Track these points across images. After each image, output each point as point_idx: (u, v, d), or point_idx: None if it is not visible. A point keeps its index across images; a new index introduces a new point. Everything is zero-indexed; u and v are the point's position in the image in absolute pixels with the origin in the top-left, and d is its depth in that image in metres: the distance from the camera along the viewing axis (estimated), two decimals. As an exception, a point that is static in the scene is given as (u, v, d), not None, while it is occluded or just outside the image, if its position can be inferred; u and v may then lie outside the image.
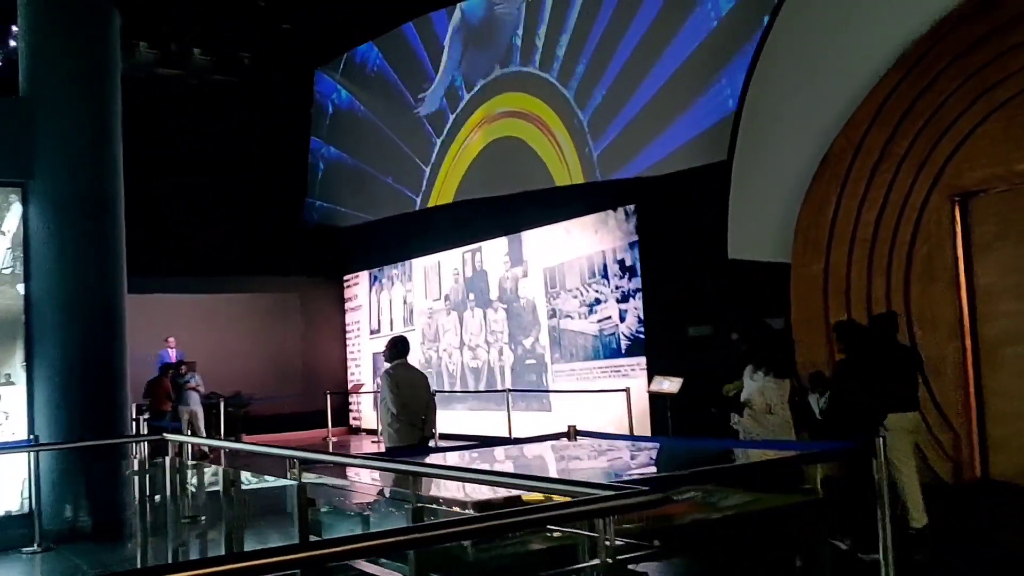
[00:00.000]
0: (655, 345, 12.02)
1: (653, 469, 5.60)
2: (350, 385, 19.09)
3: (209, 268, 18.52)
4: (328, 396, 17.21)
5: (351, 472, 5.16)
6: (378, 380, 7.38)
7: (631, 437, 6.08)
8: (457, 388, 15.77)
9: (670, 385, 11.40)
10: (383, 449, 7.05)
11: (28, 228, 7.92)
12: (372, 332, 18.61)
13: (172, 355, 17.27)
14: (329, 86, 19.44)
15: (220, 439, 16.04)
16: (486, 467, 6.28)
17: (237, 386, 18.08)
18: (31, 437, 7.60)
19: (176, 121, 19.06)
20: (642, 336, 12.16)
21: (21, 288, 7.92)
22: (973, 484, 8.43)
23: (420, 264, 16.95)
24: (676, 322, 11.69)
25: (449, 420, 15.07)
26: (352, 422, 19.06)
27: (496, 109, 14.81)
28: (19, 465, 7.67)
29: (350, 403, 19.07)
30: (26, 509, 7.68)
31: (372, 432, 16.61)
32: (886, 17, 8.98)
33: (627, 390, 11.48)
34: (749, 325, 5.73)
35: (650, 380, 11.80)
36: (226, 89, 19.61)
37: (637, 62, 12.21)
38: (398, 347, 7.27)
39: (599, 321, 12.92)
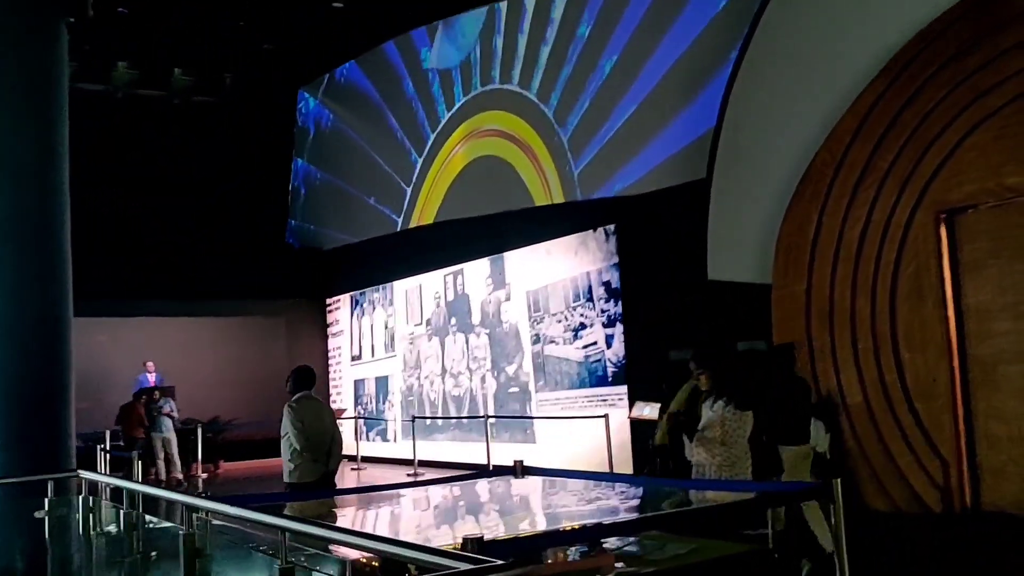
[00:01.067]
0: (637, 370, 11.61)
1: (589, 513, 5.14)
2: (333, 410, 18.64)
3: (192, 291, 18.17)
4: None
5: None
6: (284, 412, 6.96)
7: (584, 474, 5.64)
8: (438, 416, 15.36)
9: (651, 411, 10.99)
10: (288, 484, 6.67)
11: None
12: (354, 358, 18.22)
13: (151, 379, 16.88)
14: (311, 106, 19.14)
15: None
16: (382, 511, 5.88)
17: (218, 411, 17.70)
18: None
19: (158, 141, 18.77)
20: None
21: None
22: (962, 514, 7.98)
23: (402, 287, 16.59)
24: (657, 346, 11.28)
25: (430, 450, 14.68)
26: (334, 449, 18.59)
27: (476, 128, 14.48)
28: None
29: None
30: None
31: (352, 459, 16.19)
32: (870, 24, 8.62)
33: (606, 416, 11.05)
34: (707, 350, 5.26)
35: (631, 406, 11.40)
36: (208, 109, 19.32)
37: (617, 78, 11.88)
38: (301, 378, 6.91)
39: (584, 347, 12.51)
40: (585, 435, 11.71)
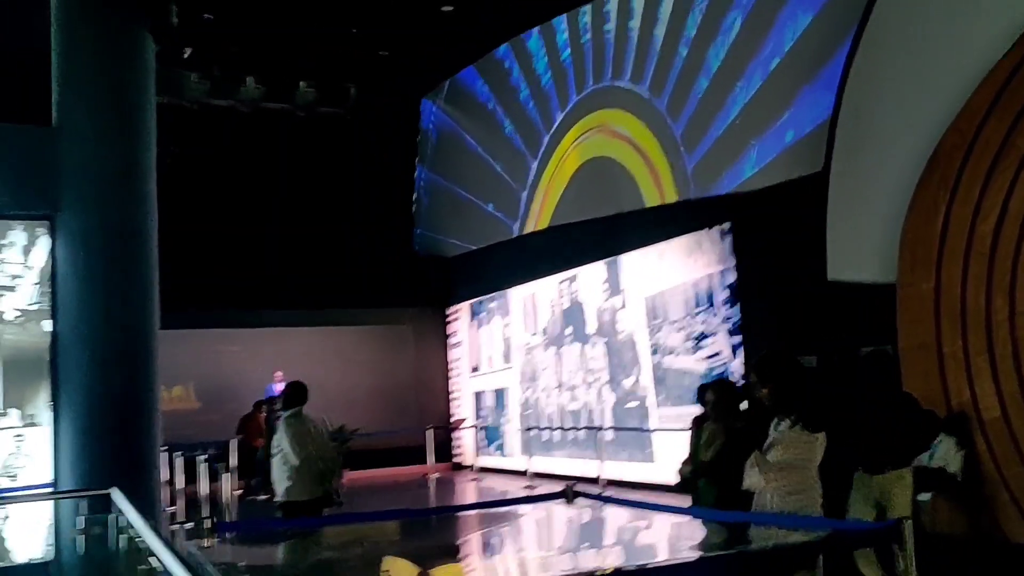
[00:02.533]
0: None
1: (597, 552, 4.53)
2: (452, 420, 18.54)
3: (322, 301, 18.36)
4: (430, 431, 16.68)
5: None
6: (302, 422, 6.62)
7: (635, 503, 5.04)
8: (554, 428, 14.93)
9: (770, 422, 10.21)
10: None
11: (55, 263, 7.62)
12: (473, 370, 17.97)
13: (278, 389, 17.05)
14: (433, 114, 19.08)
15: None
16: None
17: (344, 420, 17.73)
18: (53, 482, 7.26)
19: (284, 154, 19.08)
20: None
21: (47, 325, 7.61)
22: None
23: (518, 295, 16.21)
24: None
25: (545, 463, 14.25)
26: (455, 458, 18.45)
27: (588, 127, 13.97)
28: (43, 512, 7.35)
29: (452, 439, 18.48)
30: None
31: (469, 468, 15.95)
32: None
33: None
34: (770, 359, 4.55)
35: (750, 416, 10.63)
36: (334, 121, 19.53)
37: (729, 68, 11.13)
38: (295, 394, 6.59)
39: (707, 358, 11.75)
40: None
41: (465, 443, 18.03)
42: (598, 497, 4.55)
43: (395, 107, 19.44)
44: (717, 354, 11.56)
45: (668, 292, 12.32)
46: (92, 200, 7.72)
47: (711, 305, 11.60)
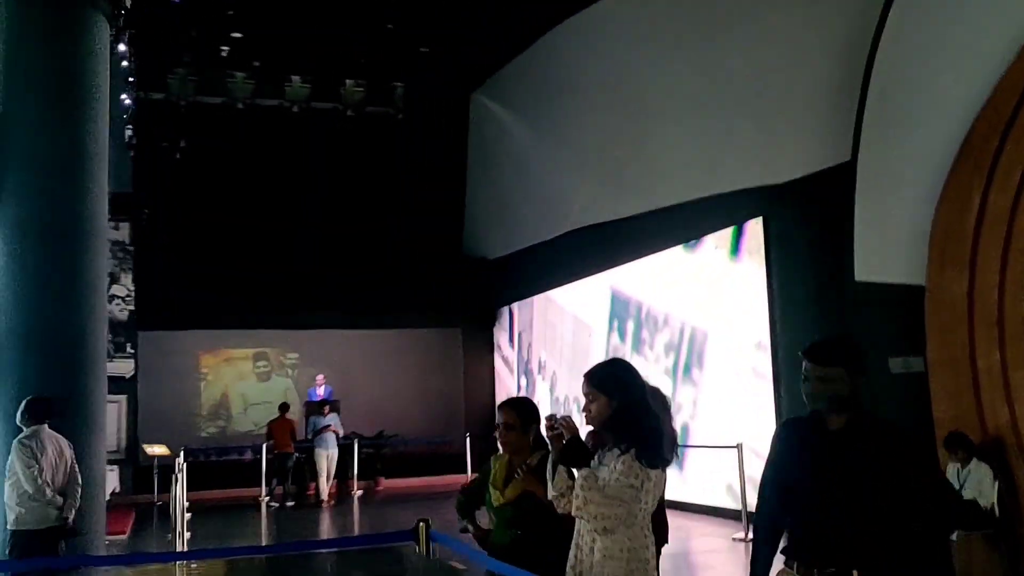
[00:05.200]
0: (786, 390, 9.77)
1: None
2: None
3: (366, 302, 17.89)
4: (469, 438, 15.98)
5: None
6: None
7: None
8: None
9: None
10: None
11: (-8, 257, 7.21)
12: (525, 371, 17.15)
13: (320, 393, 16.67)
14: (483, 111, 18.42)
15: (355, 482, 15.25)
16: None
17: (385, 425, 17.28)
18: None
19: (332, 154, 18.73)
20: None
21: (-14, 321, 7.20)
22: None
23: (564, 294, 15.37)
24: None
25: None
26: (497, 468, 17.68)
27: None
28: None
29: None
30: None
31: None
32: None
33: (739, 447, 9.33)
34: (611, 366, 3.53)
35: (779, 433, 9.61)
36: (382, 120, 19.11)
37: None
38: (36, 410, 5.85)
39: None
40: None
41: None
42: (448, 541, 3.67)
43: (444, 104, 18.85)
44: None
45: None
46: (34, 190, 7.29)
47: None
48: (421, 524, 3.74)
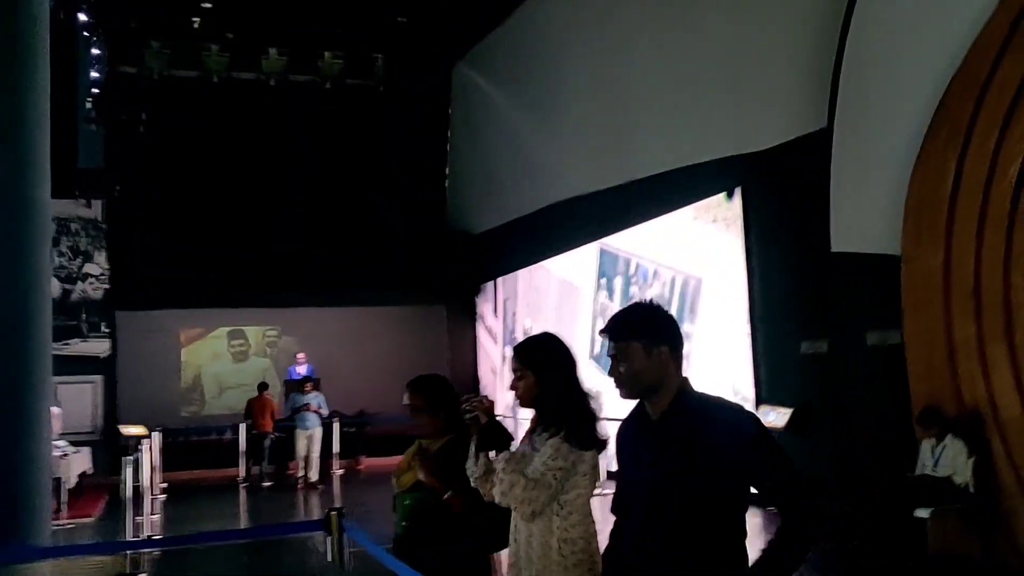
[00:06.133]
0: (765, 365, 9.53)
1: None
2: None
3: (348, 279, 17.59)
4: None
5: None
6: None
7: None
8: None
9: (777, 417, 8.96)
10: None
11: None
12: (510, 341, 16.83)
13: (301, 371, 16.38)
14: (465, 82, 18.06)
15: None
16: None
17: (366, 404, 17.03)
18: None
19: (311, 127, 18.36)
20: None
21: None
22: None
23: (552, 266, 15.07)
24: (788, 336, 9.18)
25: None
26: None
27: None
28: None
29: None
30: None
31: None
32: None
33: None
34: (532, 342, 3.28)
35: (756, 410, 9.38)
36: (362, 92, 18.74)
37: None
38: None
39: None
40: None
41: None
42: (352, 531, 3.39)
43: (425, 76, 18.48)
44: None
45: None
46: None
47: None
48: (333, 514, 3.48)
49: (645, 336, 2.31)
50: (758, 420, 2.31)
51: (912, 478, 6.61)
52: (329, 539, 3.49)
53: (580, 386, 3.18)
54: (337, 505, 3.76)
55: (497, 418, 3.14)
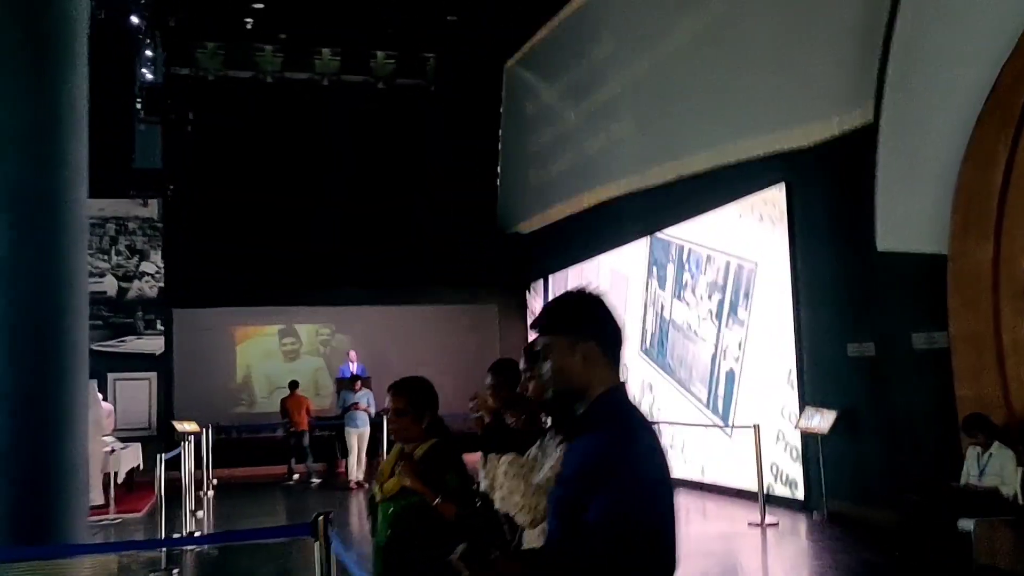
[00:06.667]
0: (809, 366, 9.20)
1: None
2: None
3: (402, 278, 17.62)
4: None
5: None
6: None
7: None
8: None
9: (821, 421, 8.65)
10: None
11: (-35, 235, 6.99)
12: None
13: (353, 369, 16.41)
14: (518, 81, 17.93)
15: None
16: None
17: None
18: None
19: (364, 127, 18.40)
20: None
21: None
22: None
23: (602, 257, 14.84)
24: (833, 337, 8.84)
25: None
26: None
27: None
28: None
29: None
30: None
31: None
32: None
33: (756, 427, 8.80)
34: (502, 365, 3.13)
35: (800, 412, 9.08)
36: (413, 92, 18.75)
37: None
38: None
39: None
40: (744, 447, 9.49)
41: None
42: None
43: (476, 75, 18.39)
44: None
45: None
46: (4, 162, 7.01)
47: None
48: (320, 518, 3.36)
49: (569, 329, 2.02)
50: (633, 461, 1.87)
51: (956, 487, 6.27)
52: (317, 544, 3.37)
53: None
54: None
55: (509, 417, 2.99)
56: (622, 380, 2.04)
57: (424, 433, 3.35)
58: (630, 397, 2.03)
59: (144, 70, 15.33)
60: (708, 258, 11.19)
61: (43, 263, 7.05)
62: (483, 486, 2.87)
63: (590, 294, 2.09)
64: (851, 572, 6.82)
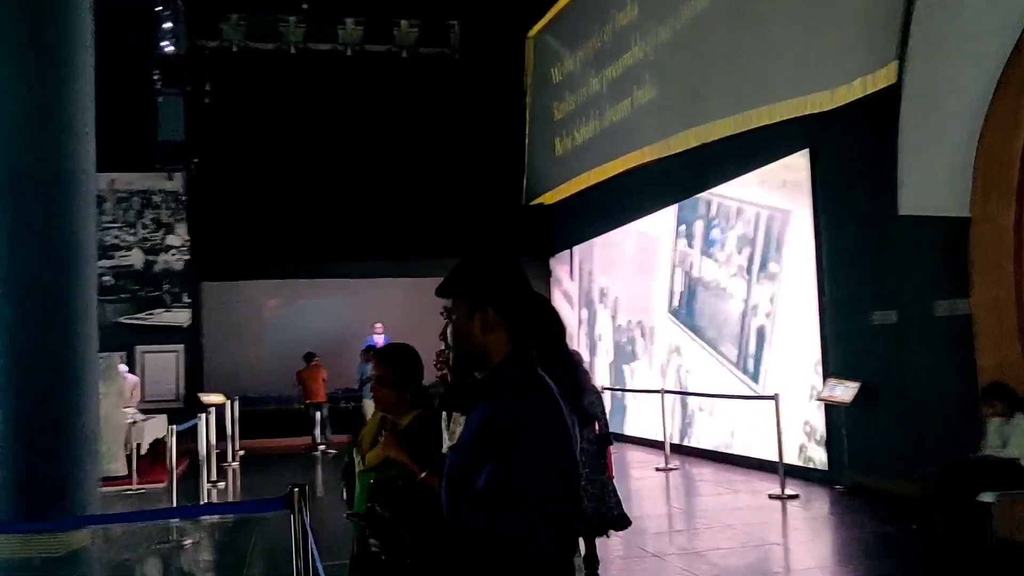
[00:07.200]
0: (833, 336, 9.01)
1: None
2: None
3: (425, 250, 17.54)
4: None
5: None
6: None
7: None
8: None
9: (843, 392, 8.47)
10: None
11: (-23, 211, 7.04)
12: (587, 303, 16.44)
13: (379, 341, 16.41)
14: (543, 48, 17.68)
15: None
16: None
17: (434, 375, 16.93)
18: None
19: (387, 97, 18.27)
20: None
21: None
22: None
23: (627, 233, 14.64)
24: (856, 306, 8.63)
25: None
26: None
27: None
28: None
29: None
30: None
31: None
32: None
33: (775, 397, 8.64)
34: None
35: (824, 382, 8.90)
36: (437, 61, 18.57)
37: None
38: None
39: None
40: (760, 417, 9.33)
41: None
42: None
43: (500, 44, 18.16)
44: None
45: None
46: (12, 135, 7.04)
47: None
48: (295, 491, 3.29)
49: (467, 294, 2.02)
50: (524, 428, 1.81)
51: (975, 459, 6.08)
52: (292, 517, 3.29)
53: (565, 355, 2.91)
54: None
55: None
56: (526, 347, 1.99)
57: (408, 404, 3.25)
58: (532, 364, 1.96)
59: (165, 43, 15.31)
60: (738, 211, 10.90)
61: (52, 233, 7.10)
62: (446, 447, 2.79)
63: (492, 261, 2.08)
64: (870, 546, 6.67)
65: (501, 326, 1.97)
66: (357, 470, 3.35)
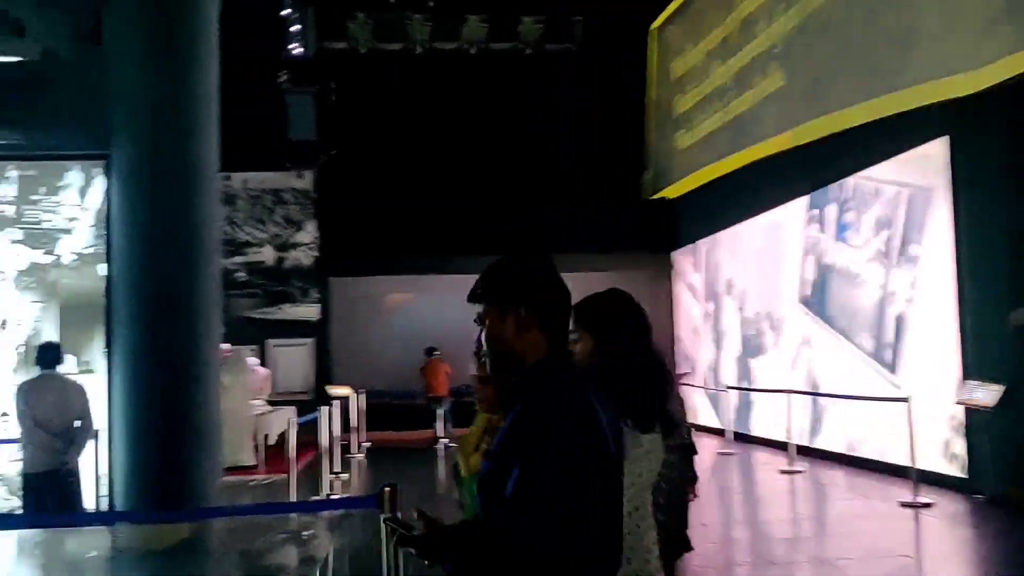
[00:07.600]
0: (973, 336, 8.45)
1: None
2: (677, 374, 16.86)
3: (551, 246, 17.45)
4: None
5: None
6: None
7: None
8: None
9: (984, 395, 7.94)
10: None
11: (109, 203, 7.35)
12: (712, 295, 15.96)
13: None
14: (665, 42, 17.36)
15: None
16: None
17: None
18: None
19: (511, 94, 18.28)
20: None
21: (102, 269, 7.37)
22: None
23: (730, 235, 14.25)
24: (999, 304, 8.08)
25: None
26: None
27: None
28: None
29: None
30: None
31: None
32: None
33: (907, 400, 8.16)
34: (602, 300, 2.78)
35: (963, 384, 8.36)
36: (561, 57, 18.47)
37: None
38: (44, 356, 5.86)
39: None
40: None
41: (696, 401, 16.21)
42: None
43: (623, 39, 17.91)
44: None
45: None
46: (142, 131, 7.29)
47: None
48: (387, 490, 3.23)
49: (495, 296, 1.97)
50: (554, 433, 1.70)
51: None
52: (383, 517, 3.24)
53: (650, 356, 2.78)
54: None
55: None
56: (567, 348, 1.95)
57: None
58: (560, 365, 1.90)
59: (294, 45, 15.73)
60: (876, 191, 10.34)
61: (179, 230, 7.29)
62: None
63: (522, 260, 2.02)
64: (1014, 561, 6.22)
65: (536, 325, 1.91)
66: (461, 475, 3.24)
